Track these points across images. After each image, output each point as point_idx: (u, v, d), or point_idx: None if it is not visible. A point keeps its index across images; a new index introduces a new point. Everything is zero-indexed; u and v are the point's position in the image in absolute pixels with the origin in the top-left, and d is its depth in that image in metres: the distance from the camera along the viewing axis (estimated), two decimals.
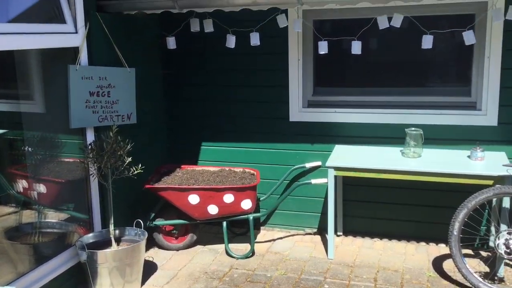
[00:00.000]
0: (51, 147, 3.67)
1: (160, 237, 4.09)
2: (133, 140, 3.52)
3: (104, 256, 3.27)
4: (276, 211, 4.49)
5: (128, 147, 3.42)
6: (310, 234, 4.42)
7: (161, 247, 4.13)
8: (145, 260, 3.91)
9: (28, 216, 3.55)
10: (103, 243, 3.52)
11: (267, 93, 4.34)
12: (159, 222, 3.99)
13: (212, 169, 4.30)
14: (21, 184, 3.50)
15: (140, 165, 3.48)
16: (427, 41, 3.50)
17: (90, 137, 3.59)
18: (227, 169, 4.28)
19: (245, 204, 3.85)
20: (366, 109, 4.16)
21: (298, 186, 3.95)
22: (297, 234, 4.43)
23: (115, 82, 3.68)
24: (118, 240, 3.60)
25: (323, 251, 4.06)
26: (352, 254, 3.99)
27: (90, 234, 3.53)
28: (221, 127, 4.51)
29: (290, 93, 4.27)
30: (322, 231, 4.40)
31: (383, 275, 3.64)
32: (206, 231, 4.49)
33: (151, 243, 4.15)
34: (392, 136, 4.08)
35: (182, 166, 4.33)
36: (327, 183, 3.77)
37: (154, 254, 4.04)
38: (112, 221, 3.48)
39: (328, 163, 3.75)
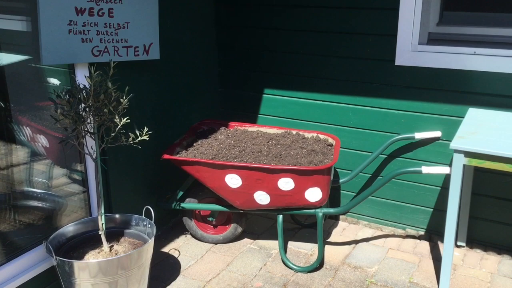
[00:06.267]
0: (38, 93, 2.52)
1: (191, 224, 2.90)
2: (157, 85, 2.26)
3: (84, 267, 2.15)
4: None
5: (125, 100, 2.16)
6: (413, 237, 2.96)
7: (194, 236, 2.95)
8: (165, 255, 2.78)
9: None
10: (94, 238, 2.40)
11: (364, 20, 2.78)
12: (188, 205, 2.78)
13: (272, 130, 2.94)
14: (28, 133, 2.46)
15: (147, 129, 2.24)
16: None
17: (82, 79, 2.39)
18: (293, 132, 2.90)
19: (311, 194, 2.48)
20: None
21: (400, 174, 2.45)
22: (393, 235, 2.99)
23: None
24: (119, 234, 2.46)
25: (431, 273, 2.60)
26: (479, 285, 2.49)
27: (71, 225, 2.39)
28: (293, 69, 3.07)
29: (401, 20, 2.67)
30: (432, 235, 2.92)
31: None
32: (259, 215, 3.23)
33: (181, 228, 3.01)
34: None
35: (230, 124, 3.02)
36: (449, 173, 2.26)
37: (182, 246, 2.88)
38: (102, 210, 2.29)
39: (454, 143, 2.19)
